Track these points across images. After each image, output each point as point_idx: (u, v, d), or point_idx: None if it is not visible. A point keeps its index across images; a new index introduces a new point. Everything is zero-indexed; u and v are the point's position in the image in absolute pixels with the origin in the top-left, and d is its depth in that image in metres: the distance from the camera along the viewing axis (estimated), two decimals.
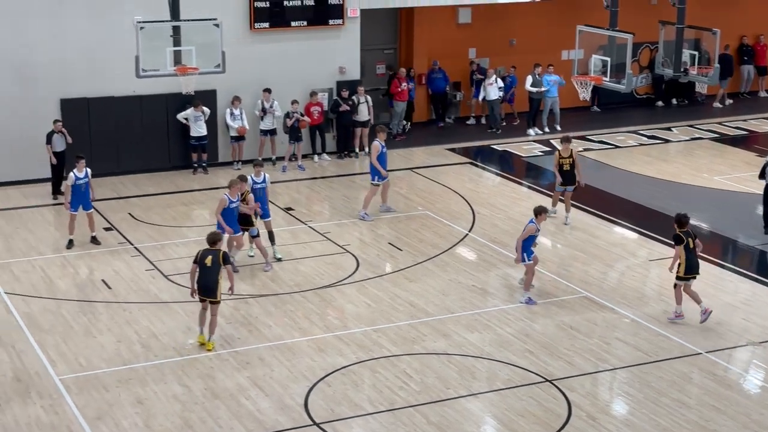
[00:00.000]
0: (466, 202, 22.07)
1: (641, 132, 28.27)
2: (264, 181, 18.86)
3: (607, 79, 21.65)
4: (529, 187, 23.42)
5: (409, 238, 20.09)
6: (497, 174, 24.62)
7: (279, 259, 18.69)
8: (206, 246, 15.38)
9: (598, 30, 22.06)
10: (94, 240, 19.58)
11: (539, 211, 17.09)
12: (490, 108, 27.81)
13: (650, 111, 30.74)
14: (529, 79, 27.83)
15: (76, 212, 19.28)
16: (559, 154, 20.79)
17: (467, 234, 20.36)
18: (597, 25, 22.48)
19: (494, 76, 27.59)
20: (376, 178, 20.75)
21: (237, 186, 17.74)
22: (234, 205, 17.74)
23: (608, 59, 21.76)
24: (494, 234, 20.33)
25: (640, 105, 31.18)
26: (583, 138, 27.48)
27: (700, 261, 16.51)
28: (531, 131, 27.70)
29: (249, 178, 18.58)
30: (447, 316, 16.59)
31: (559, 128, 27.91)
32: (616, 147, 26.91)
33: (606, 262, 19.05)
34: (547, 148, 26.09)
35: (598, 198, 22.52)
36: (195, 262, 15.22)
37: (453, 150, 26.32)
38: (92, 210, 19.56)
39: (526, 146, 26.72)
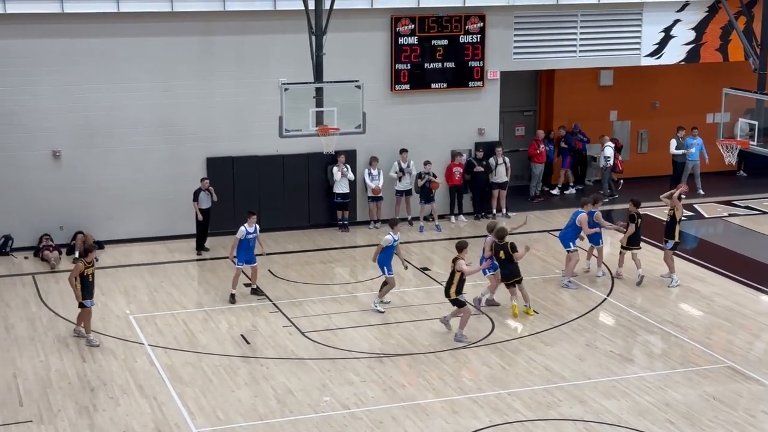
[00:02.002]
0: (605, 265, 21.69)
1: None
2: (397, 239, 19.23)
3: (755, 143, 21.13)
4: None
5: (545, 301, 19.85)
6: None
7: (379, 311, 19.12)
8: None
9: (746, 93, 21.60)
10: (256, 291, 19.97)
11: (591, 201, 20.81)
12: (603, 174, 27.42)
13: None
14: (674, 143, 27.35)
15: (242, 266, 19.73)
16: (670, 206, 20.79)
17: (605, 298, 19.99)
18: (744, 88, 22.00)
19: (608, 142, 27.17)
20: (571, 244, 20.58)
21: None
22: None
23: (756, 123, 21.25)
24: (634, 299, 19.91)
25: None
26: (728, 203, 26.79)
27: None
28: None
29: (389, 236, 18.95)
30: (583, 382, 16.26)
31: (702, 192, 27.34)
32: (763, 213, 26.08)
33: (752, 332, 18.39)
34: (690, 213, 25.45)
35: (743, 265, 21.84)
36: (491, 251, 18.83)
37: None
38: (256, 264, 20.01)
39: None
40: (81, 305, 17.65)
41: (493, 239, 18.99)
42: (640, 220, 20.65)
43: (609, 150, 27.06)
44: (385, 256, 19.09)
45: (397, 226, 19.27)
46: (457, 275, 17.62)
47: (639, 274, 20.51)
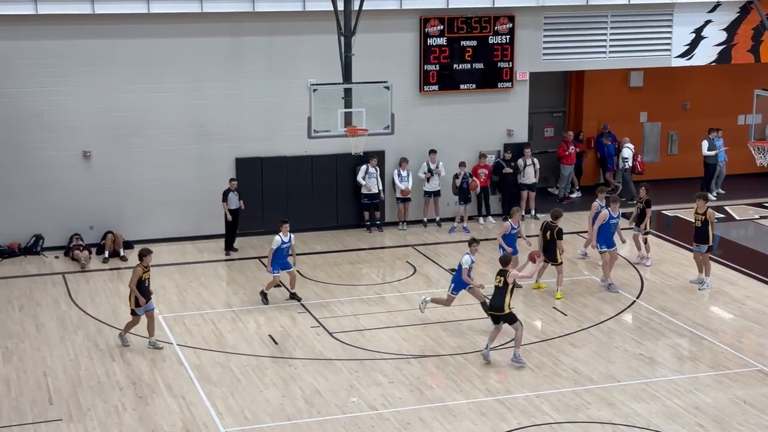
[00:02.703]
0: (634, 268, 21.58)
1: None
2: (474, 260, 18.47)
3: None
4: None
5: (574, 303, 19.76)
6: (667, 240, 23.99)
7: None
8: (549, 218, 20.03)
9: None
10: (294, 296, 19.88)
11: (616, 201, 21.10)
12: (623, 176, 27.22)
13: None
14: (705, 144, 27.14)
15: (278, 274, 19.59)
16: (695, 211, 20.54)
17: (635, 301, 19.87)
18: None
19: (627, 143, 26.97)
20: (604, 247, 20.42)
21: (518, 215, 20.43)
22: (514, 231, 20.09)
23: None
24: (663, 302, 19.78)
25: None
26: (759, 205, 26.55)
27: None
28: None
29: (467, 256, 18.22)
30: (612, 385, 16.17)
31: (722, 191, 27.20)
32: None
33: None
34: (721, 215, 25.25)
35: None
36: (541, 229, 20.09)
37: (623, 215, 25.78)
38: (293, 268, 19.85)
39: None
40: (133, 312, 17.61)
41: (510, 224, 19.96)
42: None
43: (627, 151, 26.91)
44: (458, 275, 18.51)
45: (473, 246, 18.44)
46: (510, 287, 16.89)
47: (639, 255, 21.92)
